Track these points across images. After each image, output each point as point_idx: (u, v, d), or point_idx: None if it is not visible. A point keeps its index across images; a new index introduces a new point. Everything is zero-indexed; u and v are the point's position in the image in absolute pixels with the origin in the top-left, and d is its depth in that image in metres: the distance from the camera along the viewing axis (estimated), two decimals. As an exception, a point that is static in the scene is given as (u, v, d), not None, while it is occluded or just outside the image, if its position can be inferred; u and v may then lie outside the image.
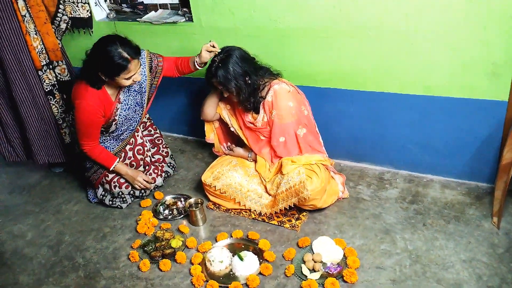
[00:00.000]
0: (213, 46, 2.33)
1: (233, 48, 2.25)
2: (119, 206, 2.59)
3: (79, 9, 2.83)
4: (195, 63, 2.43)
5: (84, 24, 2.92)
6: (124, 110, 2.42)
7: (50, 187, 2.94)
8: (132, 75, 2.23)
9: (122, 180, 2.54)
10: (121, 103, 2.40)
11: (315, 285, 1.89)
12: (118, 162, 2.49)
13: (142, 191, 2.61)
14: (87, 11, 2.87)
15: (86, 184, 2.79)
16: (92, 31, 3.01)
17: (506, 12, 1.92)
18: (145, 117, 2.76)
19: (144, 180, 2.56)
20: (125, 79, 2.22)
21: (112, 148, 2.54)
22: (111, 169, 2.49)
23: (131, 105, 2.46)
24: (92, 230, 2.47)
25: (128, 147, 2.59)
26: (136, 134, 2.64)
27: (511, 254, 1.96)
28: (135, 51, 2.21)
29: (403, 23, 2.13)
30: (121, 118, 2.43)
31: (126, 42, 2.20)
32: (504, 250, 1.99)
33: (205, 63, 2.42)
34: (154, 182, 2.65)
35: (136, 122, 2.54)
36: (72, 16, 2.83)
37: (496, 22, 1.95)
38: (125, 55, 2.15)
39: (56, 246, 2.39)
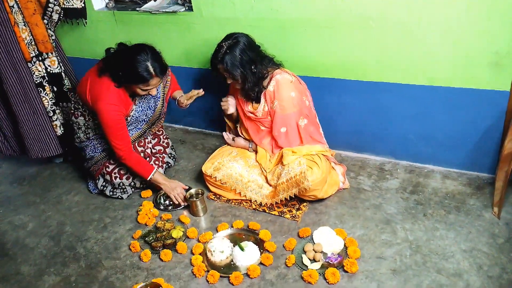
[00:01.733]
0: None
1: (240, 34, 2.22)
2: (119, 197, 2.59)
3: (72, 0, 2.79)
4: (177, 99, 2.61)
5: (78, 14, 2.88)
6: (137, 112, 2.44)
7: (51, 178, 2.94)
8: (149, 89, 2.25)
9: (122, 171, 2.53)
10: (136, 105, 2.43)
11: (315, 275, 1.90)
12: (156, 171, 2.45)
13: (144, 184, 2.60)
14: (81, 1, 2.83)
15: (86, 174, 2.78)
16: (86, 22, 2.98)
17: (509, 2, 1.90)
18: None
19: (181, 194, 2.47)
20: (141, 89, 2.24)
21: None
22: (148, 179, 2.44)
23: (144, 108, 2.48)
24: (93, 221, 2.47)
25: None
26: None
27: (511, 244, 1.97)
28: (162, 70, 2.22)
29: (406, 13, 2.11)
30: (132, 119, 2.44)
31: (158, 58, 2.21)
32: (504, 240, 1.99)
33: (181, 105, 2.58)
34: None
35: (144, 122, 2.54)
36: (65, 6, 2.79)
37: (499, 12, 1.94)
38: (151, 70, 2.16)
39: (57, 236, 2.39)
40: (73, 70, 3.00)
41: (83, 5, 2.86)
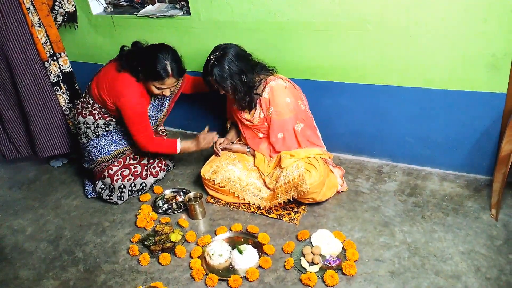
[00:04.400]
0: None
1: (229, 45, 2.23)
2: (115, 202, 2.58)
3: (65, 3, 2.83)
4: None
5: (70, 18, 2.93)
6: (151, 110, 2.50)
7: (49, 182, 2.94)
8: (164, 88, 2.32)
9: (125, 173, 2.54)
10: (150, 102, 2.49)
11: (314, 277, 1.90)
12: (179, 142, 2.49)
13: (143, 184, 2.61)
14: (73, 5, 2.89)
15: (84, 177, 2.79)
16: (77, 26, 3.01)
17: (506, 4, 1.91)
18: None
19: (207, 138, 2.52)
20: (156, 87, 2.31)
21: (123, 145, 2.57)
22: (178, 152, 2.50)
23: (155, 107, 2.54)
24: (91, 225, 2.47)
25: None
26: None
27: (509, 245, 1.97)
28: (180, 72, 2.31)
29: (403, 16, 2.12)
30: None
31: (177, 60, 2.29)
32: (502, 242, 2.00)
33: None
34: (156, 176, 2.67)
35: (152, 124, 2.57)
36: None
37: (496, 15, 1.95)
38: (169, 69, 2.24)
39: (56, 240, 2.39)
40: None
41: (74, 9, 2.91)
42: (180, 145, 2.50)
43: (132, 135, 2.41)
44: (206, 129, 2.56)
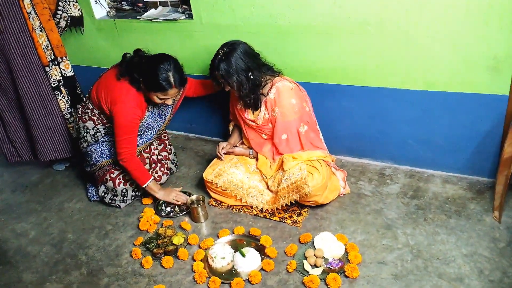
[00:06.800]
0: None
1: (238, 42, 2.24)
2: (118, 206, 2.59)
3: (70, 8, 2.86)
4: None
5: (76, 22, 2.96)
6: (149, 118, 2.48)
7: (52, 185, 2.95)
8: (166, 98, 2.31)
9: (127, 177, 2.54)
10: (149, 111, 2.47)
11: (317, 280, 1.90)
12: (152, 180, 2.46)
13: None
14: (78, 9, 2.93)
15: (87, 181, 2.80)
16: (83, 30, 3.04)
17: (506, 6, 1.91)
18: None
19: (179, 196, 2.49)
20: (158, 97, 2.29)
21: None
22: (144, 187, 2.46)
23: (154, 115, 2.52)
24: (94, 228, 2.48)
25: None
26: None
27: (512, 248, 1.97)
28: (182, 82, 2.30)
29: (404, 18, 2.13)
30: (143, 125, 2.47)
31: (179, 70, 2.27)
32: (505, 244, 1.99)
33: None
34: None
35: (154, 132, 2.59)
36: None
37: (496, 17, 1.95)
38: (171, 80, 2.22)
39: (59, 244, 2.40)
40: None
41: (80, 13, 2.95)
42: (150, 183, 2.45)
43: (116, 143, 2.35)
44: (180, 188, 2.56)
